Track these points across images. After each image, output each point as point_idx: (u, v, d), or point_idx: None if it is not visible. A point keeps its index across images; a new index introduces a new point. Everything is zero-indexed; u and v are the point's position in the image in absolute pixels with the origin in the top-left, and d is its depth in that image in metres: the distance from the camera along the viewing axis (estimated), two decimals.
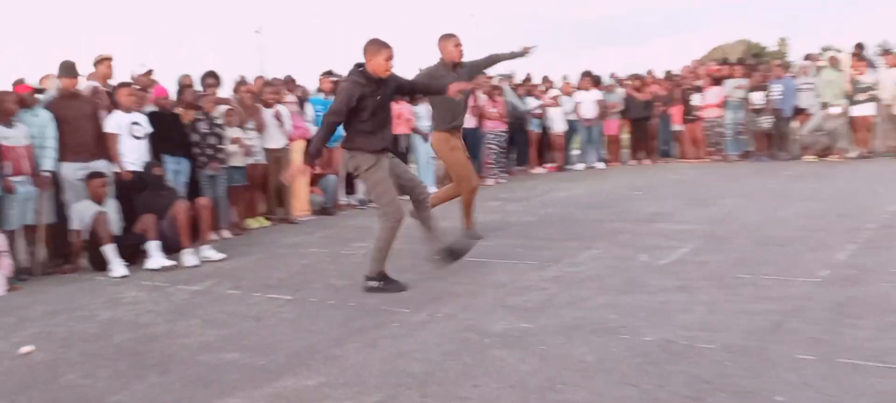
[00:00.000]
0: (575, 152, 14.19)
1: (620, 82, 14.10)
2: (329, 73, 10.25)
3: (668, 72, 14.28)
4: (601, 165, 13.55)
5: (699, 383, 3.08)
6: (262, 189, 8.98)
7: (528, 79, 14.06)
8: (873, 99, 11.53)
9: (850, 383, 2.96)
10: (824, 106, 11.81)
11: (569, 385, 3.19)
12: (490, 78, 13.57)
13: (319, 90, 10.32)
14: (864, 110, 11.58)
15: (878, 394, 2.84)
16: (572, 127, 13.66)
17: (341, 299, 5.00)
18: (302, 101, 9.76)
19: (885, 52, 12.40)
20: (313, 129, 9.54)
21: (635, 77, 14.10)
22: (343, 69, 10.41)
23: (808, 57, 13.27)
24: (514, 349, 3.70)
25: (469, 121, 11.95)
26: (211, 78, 8.53)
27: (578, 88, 13.74)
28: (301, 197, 9.31)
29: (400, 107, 10.52)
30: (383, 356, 3.76)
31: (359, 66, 5.03)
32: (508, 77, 13.80)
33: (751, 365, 3.24)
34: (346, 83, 5.07)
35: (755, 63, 14.93)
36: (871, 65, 11.90)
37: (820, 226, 6.23)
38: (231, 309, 4.98)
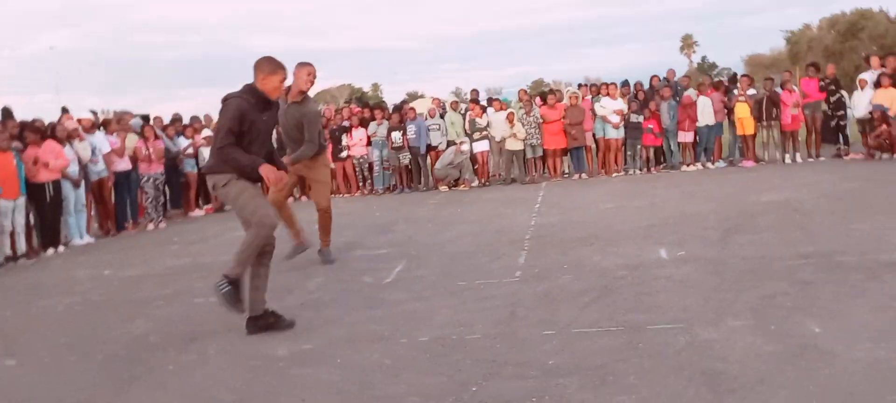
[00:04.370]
0: None
1: None
2: None
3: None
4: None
5: (486, 363, 3.80)
6: None
7: (177, 118, 13.65)
8: (486, 137, 13.89)
9: (587, 345, 3.96)
10: (450, 143, 13.85)
11: (384, 383, 3.63)
12: (132, 116, 12.91)
13: None
14: (481, 146, 13.89)
15: (608, 348, 3.86)
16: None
17: (82, 354, 4.63)
18: None
19: (492, 99, 14.97)
20: None
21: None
22: None
23: (434, 101, 15.35)
24: (312, 366, 3.99)
25: (122, 165, 11.32)
26: None
27: None
28: None
29: (47, 150, 9.50)
30: (182, 393, 3.74)
31: (246, 86, 4.74)
32: (157, 117, 13.25)
33: (514, 344, 4.07)
34: (234, 100, 4.67)
35: (384, 106, 16.61)
36: (485, 109, 14.31)
37: (489, 241, 7.54)
38: None
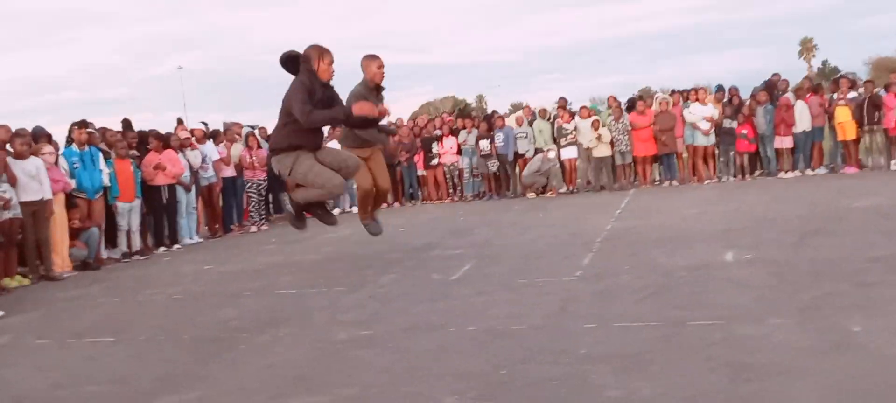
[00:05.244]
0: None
1: None
2: (83, 124, 9.78)
3: (412, 122, 15.69)
4: (354, 209, 14.42)
5: (524, 349, 4.02)
6: (18, 245, 8.36)
7: None
8: (574, 143, 13.96)
9: (624, 336, 4.10)
10: (538, 151, 14.01)
11: (426, 367, 3.92)
12: (241, 127, 13.85)
13: (71, 141, 9.75)
14: (569, 153, 13.98)
15: (643, 340, 3.99)
16: None
17: (172, 335, 5.18)
18: (57, 155, 9.25)
19: (582, 106, 15.01)
20: (71, 182, 9.13)
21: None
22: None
23: (524, 109, 15.54)
24: (367, 349, 4.34)
25: (228, 172, 12.20)
26: None
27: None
28: (62, 252, 8.81)
29: (167, 157, 10.43)
30: (250, 370, 4.16)
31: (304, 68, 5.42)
32: (263, 128, 14.15)
33: (555, 335, 4.27)
34: (297, 80, 5.39)
35: (479, 116, 16.96)
36: (573, 115, 14.39)
37: (561, 243, 7.71)
38: (52, 354, 4.91)
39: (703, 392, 3.16)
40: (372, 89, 6.81)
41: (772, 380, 3.21)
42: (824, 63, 65.94)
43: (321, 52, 5.67)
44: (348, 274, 7.03)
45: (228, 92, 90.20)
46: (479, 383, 3.55)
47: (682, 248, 6.65)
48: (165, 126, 12.58)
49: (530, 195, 13.90)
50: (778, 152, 13.04)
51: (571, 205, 11.64)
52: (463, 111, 47.05)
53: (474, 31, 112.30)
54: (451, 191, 14.72)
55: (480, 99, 71.43)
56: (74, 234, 9.06)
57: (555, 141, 14.15)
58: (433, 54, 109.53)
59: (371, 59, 6.82)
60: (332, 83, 6.10)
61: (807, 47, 73.04)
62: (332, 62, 5.53)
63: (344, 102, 6.78)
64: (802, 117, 12.64)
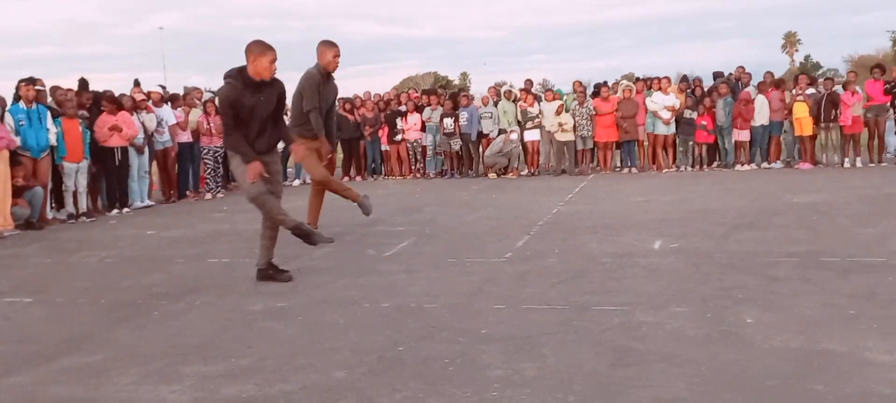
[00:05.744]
0: (289, 169, 14.82)
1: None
2: (30, 81, 9.59)
3: (378, 97, 15.62)
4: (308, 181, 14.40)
5: (427, 328, 4.06)
6: None
7: None
8: (538, 126, 13.99)
9: (527, 318, 4.16)
10: (502, 131, 14.03)
11: (329, 340, 3.95)
12: (201, 93, 13.75)
13: (17, 98, 9.58)
14: (532, 136, 14.01)
15: (544, 323, 4.05)
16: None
17: (91, 298, 5.17)
18: (2, 111, 9.11)
19: (547, 89, 15.04)
20: (16, 140, 9.00)
21: (346, 100, 15.21)
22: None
23: (490, 89, 15.52)
24: (277, 320, 4.36)
25: (184, 136, 12.10)
26: None
27: None
28: (3, 210, 8.72)
29: (121, 119, 10.31)
30: (157, 336, 4.17)
31: (235, 70, 5.04)
32: None
33: (463, 315, 4.31)
34: (223, 87, 5.04)
35: (446, 93, 16.89)
36: (538, 99, 14.41)
37: (503, 225, 7.75)
38: None
39: (582, 375, 3.22)
40: (325, 76, 6.85)
41: (649, 366, 3.28)
42: (807, 58, 66.51)
43: (261, 50, 5.05)
44: (284, 246, 7.01)
45: (211, 54, 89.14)
46: (372, 359, 3.59)
47: (614, 235, 6.73)
48: (145, 88, 12.38)
49: (491, 175, 13.94)
50: (736, 145, 13.18)
51: (527, 188, 11.70)
52: (445, 89, 46.95)
53: (465, 6, 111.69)
54: (413, 167, 14.72)
55: (464, 77, 71.22)
56: (18, 192, 8.95)
57: (518, 122, 14.18)
58: (421, 27, 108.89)
59: (328, 46, 6.85)
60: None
61: (790, 41, 73.54)
62: (272, 61, 5.15)
63: (297, 87, 6.73)
64: (762, 111, 12.77)
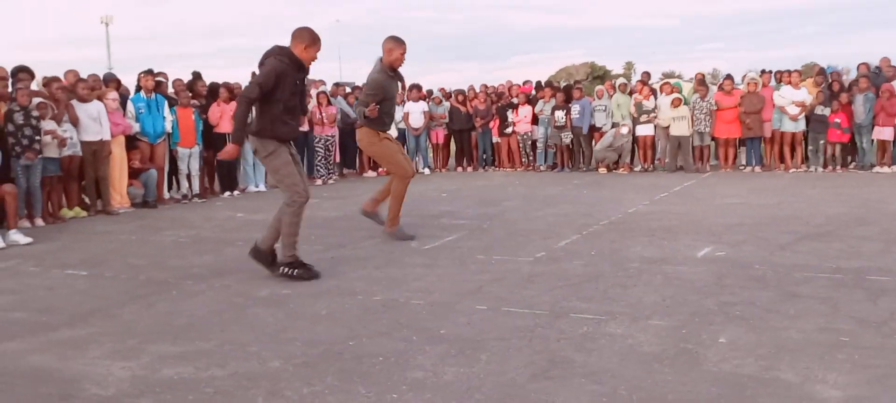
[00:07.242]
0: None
1: (447, 96, 15.31)
2: (149, 73, 10.50)
3: (488, 89, 15.61)
4: (427, 171, 14.66)
5: (394, 324, 4.05)
6: (78, 180, 9.27)
7: (358, 88, 14.91)
8: (651, 121, 13.34)
9: (495, 322, 4.02)
10: (614, 125, 13.53)
11: (295, 330, 4.05)
12: (318, 85, 14.39)
13: (139, 88, 10.54)
14: (645, 130, 13.39)
15: (505, 327, 3.90)
16: (401, 135, 14.66)
17: (134, 274, 5.63)
18: (124, 99, 10.09)
19: (665, 82, 14.29)
20: (133, 125, 9.93)
21: (459, 92, 15.34)
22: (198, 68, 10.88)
23: (606, 81, 15.02)
24: (269, 308, 4.53)
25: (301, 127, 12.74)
26: (23, 73, 8.77)
27: (408, 99, 14.78)
28: (120, 189, 9.67)
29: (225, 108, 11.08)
30: (154, 314, 4.48)
31: (284, 49, 5.19)
32: (341, 85, 14.62)
33: (440, 313, 4.25)
34: (272, 60, 5.13)
35: (563, 86, 16.51)
36: (654, 92, 13.74)
37: (563, 222, 7.51)
38: (28, 282, 5.48)
39: (493, 383, 3.08)
40: (390, 75, 6.66)
41: (568, 381, 3.08)
42: None
43: (312, 39, 5.23)
44: (341, 234, 7.25)
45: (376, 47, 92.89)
46: (317, 351, 3.64)
47: (667, 239, 6.31)
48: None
49: (602, 170, 13.50)
50: (880, 144, 11.84)
51: (627, 184, 11.22)
52: (600, 78, 45.78)
53: None
54: (524, 160, 14.56)
55: (629, 66, 68.90)
56: (134, 174, 9.90)
57: (632, 116, 13.60)
58: (588, 16, 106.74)
59: (397, 43, 6.60)
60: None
61: None
62: (318, 51, 5.30)
63: (364, 86, 6.74)
64: None
